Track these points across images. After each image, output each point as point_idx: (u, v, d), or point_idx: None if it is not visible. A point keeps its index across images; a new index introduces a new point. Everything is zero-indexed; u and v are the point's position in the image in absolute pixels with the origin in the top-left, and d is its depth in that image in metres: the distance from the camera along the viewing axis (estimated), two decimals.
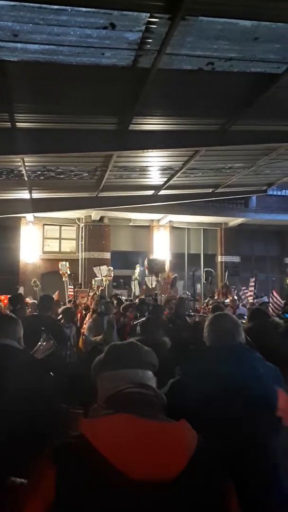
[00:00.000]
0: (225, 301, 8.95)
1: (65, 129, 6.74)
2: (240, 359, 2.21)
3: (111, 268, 12.43)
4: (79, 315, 8.34)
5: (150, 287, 11.31)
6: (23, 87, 5.36)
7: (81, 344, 6.54)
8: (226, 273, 13.84)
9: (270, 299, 8.61)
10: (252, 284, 9.46)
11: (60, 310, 8.33)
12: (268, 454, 1.82)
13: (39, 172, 9.02)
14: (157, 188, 11.29)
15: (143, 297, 9.75)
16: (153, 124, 6.87)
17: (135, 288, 12.17)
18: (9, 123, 6.37)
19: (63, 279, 10.67)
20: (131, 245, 17.46)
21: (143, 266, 13.06)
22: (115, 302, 9.05)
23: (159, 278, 9.41)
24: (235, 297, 9.29)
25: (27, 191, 10.50)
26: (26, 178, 9.14)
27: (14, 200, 11.71)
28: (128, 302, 9.34)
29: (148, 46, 4.47)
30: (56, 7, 3.77)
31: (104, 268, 11.46)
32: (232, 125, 6.88)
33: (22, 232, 16.21)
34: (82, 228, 16.63)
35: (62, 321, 6.64)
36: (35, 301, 8.51)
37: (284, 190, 17.34)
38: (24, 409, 1.97)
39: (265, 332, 4.42)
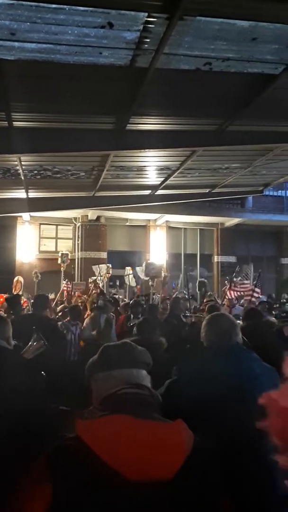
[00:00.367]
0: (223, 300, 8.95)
1: (62, 128, 6.72)
2: (237, 359, 2.21)
3: (110, 265, 12.45)
4: None
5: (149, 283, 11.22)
6: (20, 86, 5.34)
7: (82, 342, 6.55)
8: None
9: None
10: (248, 282, 9.38)
11: (59, 308, 8.31)
12: (264, 454, 1.83)
13: (35, 172, 9.00)
14: (154, 188, 11.29)
15: (137, 298, 9.74)
16: (150, 123, 6.87)
17: (130, 282, 12.19)
18: (6, 122, 6.35)
19: (61, 268, 10.57)
20: (128, 245, 17.45)
21: (139, 266, 13.08)
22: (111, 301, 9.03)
23: (154, 283, 9.39)
24: (233, 296, 9.27)
25: (24, 190, 10.47)
26: (22, 177, 9.11)
27: (10, 199, 11.67)
28: (125, 302, 9.36)
29: (146, 45, 4.47)
30: (53, 6, 3.76)
31: (103, 266, 11.47)
32: (229, 125, 6.90)
33: (19, 231, 16.17)
34: (78, 227, 16.61)
35: (67, 318, 6.65)
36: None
37: (280, 191, 17.40)
38: (14, 409, 1.96)
39: (259, 332, 4.45)
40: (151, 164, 9.15)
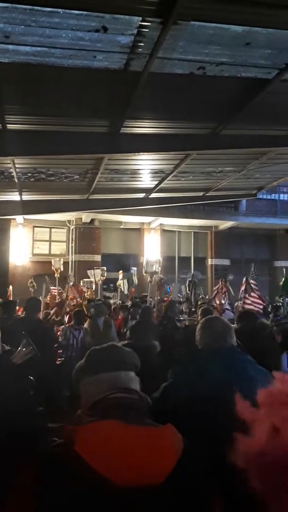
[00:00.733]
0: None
1: (56, 131, 6.72)
2: (232, 362, 2.22)
3: (104, 268, 12.45)
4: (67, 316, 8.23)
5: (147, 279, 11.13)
6: (14, 89, 5.34)
7: None
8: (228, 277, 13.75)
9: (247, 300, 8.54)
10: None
11: (52, 311, 8.25)
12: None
13: (29, 174, 8.97)
14: (148, 191, 11.30)
15: (134, 299, 9.75)
16: (144, 127, 6.88)
17: (124, 287, 12.20)
18: (0, 125, 6.34)
19: (55, 275, 10.57)
20: (122, 247, 17.44)
21: (132, 269, 13.09)
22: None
23: (152, 280, 9.39)
24: (223, 301, 9.27)
25: (17, 193, 10.44)
26: (16, 180, 9.08)
27: (4, 202, 11.63)
28: (117, 305, 9.35)
29: (140, 49, 4.49)
30: (48, 9, 3.76)
31: (98, 272, 11.47)
32: (223, 129, 6.93)
33: (12, 234, 16.10)
34: (72, 230, 16.57)
35: (71, 322, 6.64)
36: None
37: (273, 194, 17.49)
38: (1, 414, 1.94)
39: (252, 334, 4.46)
40: (145, 168, 9.16)
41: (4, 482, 1.21)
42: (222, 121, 6.70)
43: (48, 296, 10.15)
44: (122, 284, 12.37)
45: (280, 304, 10.30)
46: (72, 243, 16.55)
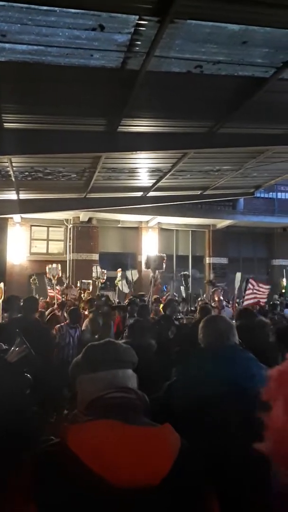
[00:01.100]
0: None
1: (53, 130, 6.71)
2: (234, 360, 2.24)
3: (104, 271, 12.48)
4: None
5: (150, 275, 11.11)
6: (11, 88, 5.32)
7: None
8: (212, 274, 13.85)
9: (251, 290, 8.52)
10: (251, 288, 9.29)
11: (47, 311, 8.26)
12: (262, 454, 1.84)
13: (26, 173, 8.96)
14: (145, 189, 11.30)
15: (132, 297, 9.75)
16: (142, 126, 6.88)
17: (123, 287, 12.20)
18: None
19: (53, 281, 10.57)
20: (120, 246, 17.45)
21: (128, 269, 13.09)
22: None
23: (155, 275, 9.32)
24: (221, 298, 9.31)
25: (14, 191, 10.42)
26: (13, 179, 9.07)
27: (1, 200, 11.62)
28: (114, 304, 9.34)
29: (137, 48, 4.48)
30: (44, 8, 3.75)
31: (99, 269, 11.52)
32: (220, 127, 6.93)
33: (9, 233, 16.08)
34: (70, 229, 16.56)
35: (67, 321, 6.64)
36: None
37: (271, 193, 17.52)
38: None
39: (251, 331, 4.47)
40: (143, 166, 9.16)
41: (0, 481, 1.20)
42: (220, 120, 6.70)
43: (43, 300, 10.14)
44: (121, 283, 12.37)
45: (277, 302, 10.33)
46: (69, 242, 16.54)
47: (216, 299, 9.03)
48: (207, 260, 18.30)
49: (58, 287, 10.49)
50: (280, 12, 3.97)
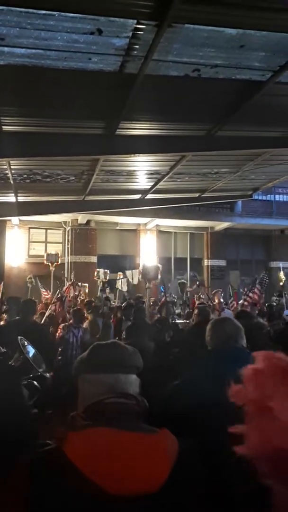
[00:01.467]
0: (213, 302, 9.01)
1: (52, 132, 6.73)
2: (241, 362, 2.25)
3: (107, 271, 12.52)
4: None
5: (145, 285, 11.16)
6: (10, 91, 5.34)
7: None
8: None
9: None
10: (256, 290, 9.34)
11: (47, 313, 8.26)
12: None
13: (25, 176, 8.97)
14: (144, 192, 11.32)
15: (128, 300, 9.75)
16: (140, 129, 6.90)
17: (122, 286, 12.21)
18: None
19: (50, 268, 10.46)
20: (118, 249, 17.45)
21: (129, 270, 13.10)
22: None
23: (150, 285, 9.34)
24: (221, 300, 9.35)
25: (13, 194, 10.43)
26: (12, 181, 9.08)
27: None
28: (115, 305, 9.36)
29: (135, 52, 4.51)
30: (43, 12, 3.78)
31: (102, 271, 11.55)
32: (218, 130, 6.96)
33: (8, 235, 16.07)
34: (68, 231, 16.56)
35: (71, 321, 6.65)
36: None
37: (269, 195, 17.56)
38: None
39: (249, 333, 4.49)
40: (141, 169, 9.18)
41: None
42: (218, 123, 6.73)
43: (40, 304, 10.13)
44: (120, 282, 12.38)
45: (275, 304, 10.35)
46: (68, 244, 16.54)
47: (216, 301, 9.05)
48: (206, 262, 18.32)
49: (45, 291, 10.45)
50: (276, 16, 4.01)
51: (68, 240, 16.56)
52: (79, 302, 9.86)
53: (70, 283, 10.18)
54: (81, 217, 15.58)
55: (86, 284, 11.75)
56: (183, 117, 6.57)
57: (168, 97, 5.78)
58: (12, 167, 8.07)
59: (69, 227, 16.45)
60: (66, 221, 16.39)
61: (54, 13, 3.80)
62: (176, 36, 4.25)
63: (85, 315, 7.68)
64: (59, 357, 6.29)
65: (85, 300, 9.63)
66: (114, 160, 8.14)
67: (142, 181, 10.32)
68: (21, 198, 11.10)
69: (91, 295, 12.22)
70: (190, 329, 6.13)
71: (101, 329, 6.69)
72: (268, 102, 5.89)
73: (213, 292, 10.40)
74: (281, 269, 14.66)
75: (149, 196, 11.59)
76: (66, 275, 15.79)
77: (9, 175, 8.54)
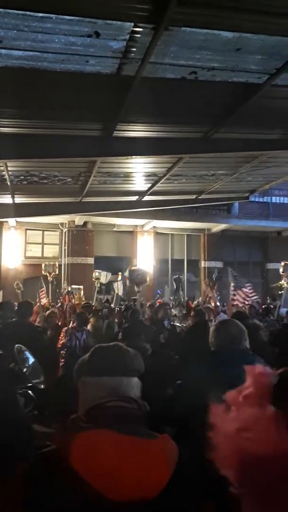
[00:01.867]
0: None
1: (49, 134, 6.73)
2: (243, 363, 2.27)
3: (110, 274, 12.49)
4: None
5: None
6: (7, 93, 5.35)
7: None
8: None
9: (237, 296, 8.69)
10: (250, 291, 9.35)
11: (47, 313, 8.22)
12: None
13: (22, 177, 8.97)
14: (141, 194, 11.33)
15: (126, 303, 9.76)
16: (137, 131, 6.92)
17: (119, 289, 12.20)
18: None
19: (48, 278, 10.51)
20: (115, 250, 17.44)
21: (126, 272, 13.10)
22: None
23: (140, 289, 9.31)
24: (218, 303, 9.34)
25: (10, 195, 10.42)
26: (8, 183, 9.07)
27: None
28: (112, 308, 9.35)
29: (132, 54, 4.53)
30: (40, 14, 3.79)
31: (104, 273, 11.55)
32: (215, 133, 6.98)
33: (4, 236, 16.01)
34: (65, 233, 16.53)
35: (74, 324, 6.63)
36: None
37: (266, 197, 17.59)
38: None
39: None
40: (138, 171, 9.20)
41: None
42: (214, 125, 6.76)
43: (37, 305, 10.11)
44: (117, 285, 12.37)
45: (272, 306, 10.38)
46: (64, 245, 16.51)
47: (213, 304, 9.04)
48: (203, 264, 18.33)
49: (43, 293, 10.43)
50: (273, 19, 4.03)
51: (65, 241, 16.53)
52: (74, 304, 9.80)
53: (65, 292, 10.15)
54: (78, 219, 15.57)
55: (81, 287, 11.69)
56: (180, 119, 6.59)
57: (165, 100, 5.80)
58: (9, 168, 8.07)
59: (66, 229, 16.43)
60: (63, 223, 16.37)
61: (52, 15, 3.81)
62: (173, 39, 4.27)
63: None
64: (62, 360, 6.24)
65: (82, 304, 9.58)
66: (111, 162, 8.15)
67: (139, 183, 10.33)
68: (18, 200, 11.09)
69: (86, 298, 12.16)
70: (187, 330, 6.15)
71: (104, 331, 6.66)
72: (265, 104, 5.92)
73: (207, 294, 10.38)
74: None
75: (146, 197, 11.61)
76: (63, 277, 15.77)
77: (6, 176, 8.53)
